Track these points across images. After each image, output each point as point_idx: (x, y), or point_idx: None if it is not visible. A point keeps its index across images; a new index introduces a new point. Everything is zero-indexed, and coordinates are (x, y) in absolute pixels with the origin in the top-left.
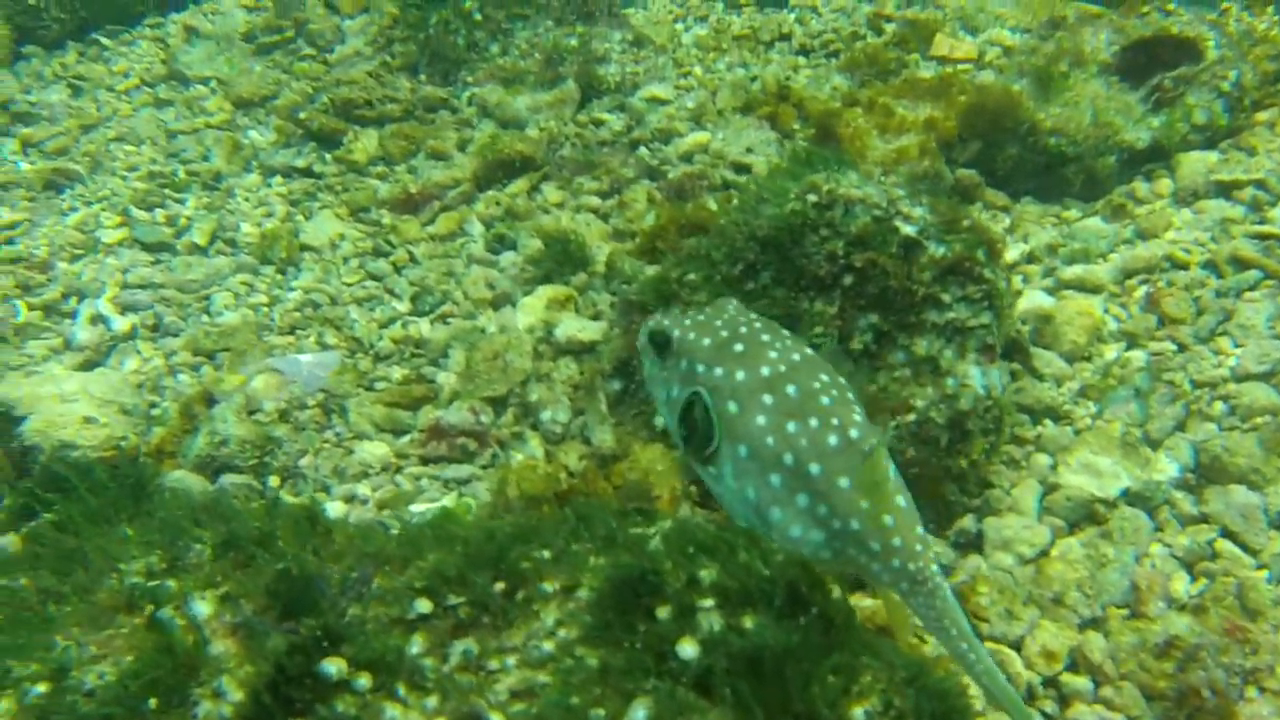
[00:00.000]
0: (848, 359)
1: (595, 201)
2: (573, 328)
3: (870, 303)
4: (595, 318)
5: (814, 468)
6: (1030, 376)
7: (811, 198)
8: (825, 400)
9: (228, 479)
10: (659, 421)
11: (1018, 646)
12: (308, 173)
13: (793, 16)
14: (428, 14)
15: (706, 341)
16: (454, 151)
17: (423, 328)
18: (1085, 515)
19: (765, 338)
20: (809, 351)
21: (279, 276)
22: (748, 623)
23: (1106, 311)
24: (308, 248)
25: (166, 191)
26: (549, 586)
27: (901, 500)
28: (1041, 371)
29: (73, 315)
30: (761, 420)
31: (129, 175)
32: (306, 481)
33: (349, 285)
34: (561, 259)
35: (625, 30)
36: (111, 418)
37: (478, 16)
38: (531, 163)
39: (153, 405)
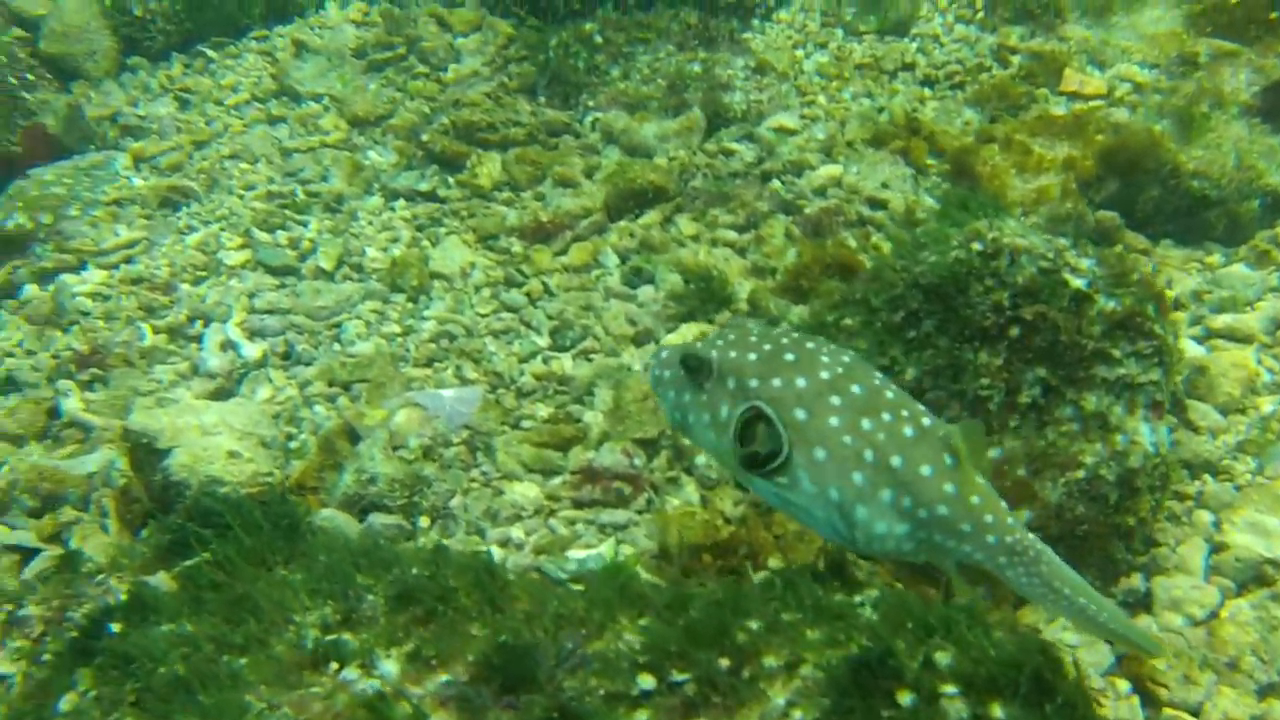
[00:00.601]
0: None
1: (731, 235)
2: None
3: (1038, 356)
4: None
5: (895, 460)
6: (1186, 429)
7: (976, 246)
8: (890, 395)
9: (377, 519)
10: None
11: (1196, 713)
12: (431, 196)
13: (914, 46)
14: (547, 36)
15: (753, 357)
16: (581, 178)
17: (565, 363)
18: (1254, 576)
19: (810, 345)
20: (852, 354)
21: (410, 305)
22: (996, 712)
23: (1260, 363)
24: (438, 275)
25: (287, 213)
26: (772, 662)
27: (982, 480)
28: (1198, 424)
29: (199, 340)
30: (835, 421)
31: (246, 194)
32: (458, 523)
33: (483, 316)
34: (704, 296)
35: (747, 57)
36: (254, 451)
37: (598, 39)
38: (664, 193)
39: (289, 437)
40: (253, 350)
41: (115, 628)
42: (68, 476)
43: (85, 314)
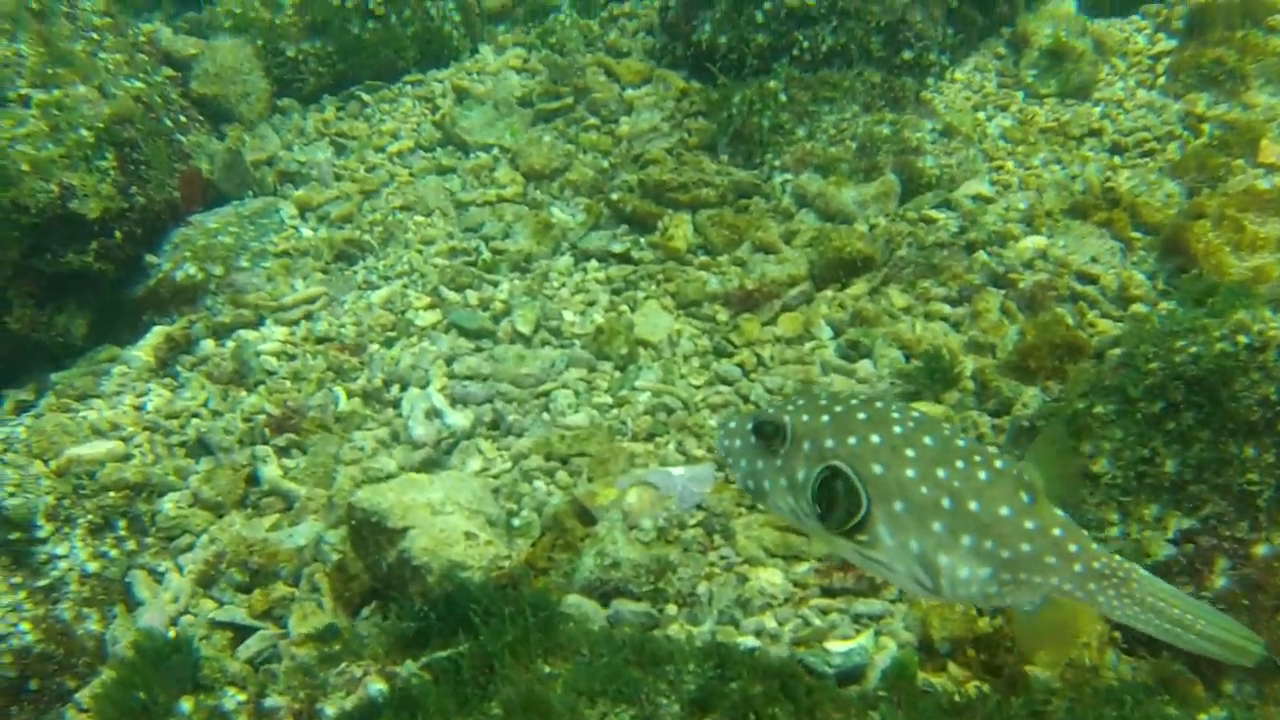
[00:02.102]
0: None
1: (945, 309)
2: None
3: None
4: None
5: (973, 504)
6: None
7: (1243, 339)
8: (961, 443)
9: (624, 606)
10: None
11: None
12: (625, 259)
13: (1098, 110)
14: (730, 92)
15: (825, 419)
16: (780, 244)
17: None
18: None
19: (879, 404)
20: (919, 411)
21: (618, 374)
22: None
23: None
24: (643, 343)
25: (474, 270)
26: None
27: (1062, 514)
28: None
29: (395, 405)
30: (911, 473)
31: (426, 250)
32: (706, 611)
33: (697, 388)
34: (932, 374)
35: (934, 119)
36: (487, 532)
37: (783, 98)
38: (870, 262)
39: (510, 514)
40: (459, 419)
41: None
42: (279, 550)
43: (271, 374)
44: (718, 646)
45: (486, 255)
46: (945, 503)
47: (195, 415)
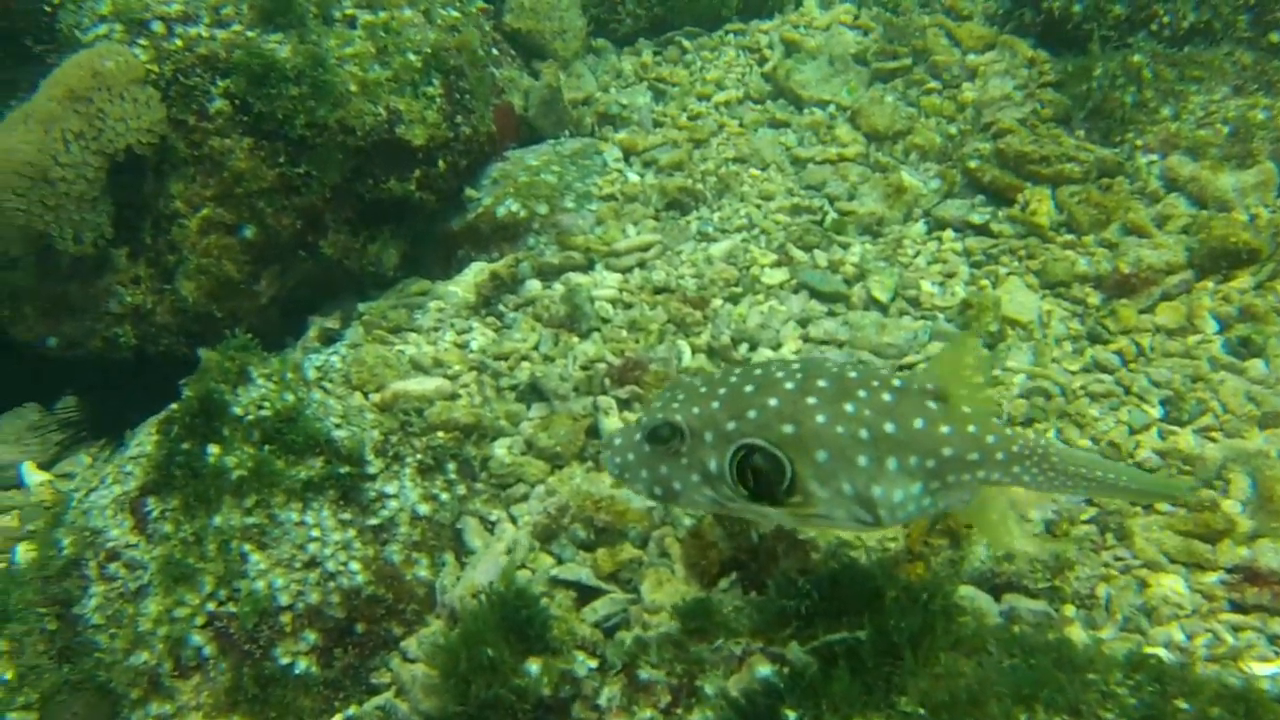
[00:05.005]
0: None
1: None
2: None
3: None
4: None
5: (888, 427)
6: None
7: None
8: (853, 374)
9: (1020, 603)
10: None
11: None
12: (983, 230)
13: None
14: (1090, 65)
15: (715, 404)
16: (1152, 228)
17: (1186, 440)
18: None
19: (758, 371)
20: (800, 357)
21: (985, 352)
22: None
23: None
24: (1011, 321)
25: (820, 230)
26: None
27: (969, 410)
28: None
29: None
30: (821, 419)
31: (765, 205)
32: (1105, 616)
33: (1073, 374)
34: None
35: None
36: None
37: (1148, 74)
38: (1256, 254)
39: None
40: None
41: (791, 715)
42: (628, 509)
43: (606, 321)
44: (1146, 658)
45: (832, 215)
46: (862, 434)
47: (525, 358)
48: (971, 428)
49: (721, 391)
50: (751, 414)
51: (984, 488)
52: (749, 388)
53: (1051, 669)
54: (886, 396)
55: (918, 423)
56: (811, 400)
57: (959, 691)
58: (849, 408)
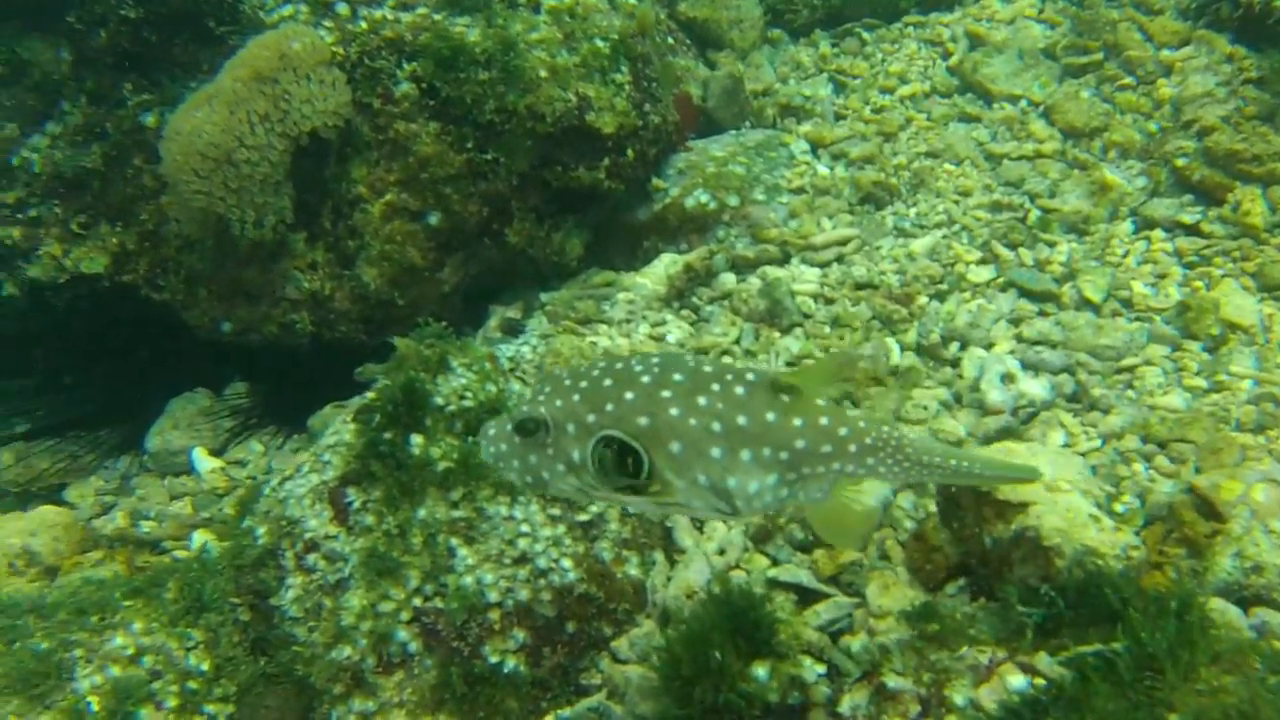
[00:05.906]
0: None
1: None
2: None
3: None
4: None
5: (741, 419)
6: None
7: None
8: (708, 369)
9: (1269, 616)
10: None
11: None
12: (1193, 230)
13: None
14: None
15: (576, 398)
16: None
17: None
18: None
19: (618, 365)
20: (660, 353)
21: (1205, 356)
22: None
23: None
24: (1232, 325)
25: (1024, 228)
26: None
27: (824, 403)
28: None
29: (952, 364)
30: (675, 412)
31: (963, 200)
32: None
33: None
34: None
35: None
36: (1106, 516)
37: None
38: None
39: (1110, 498)
40: (1036, 387)
41: None
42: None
43: (808, 316)
44: None
45: (1035, 213)
46: (715, 427)
47: (725, 353)
48: (824, 420)
49: (583, 385)
50: (609, 407)
51: (845, 486)
52: (608, 382)
53: None
54: (739, 390)
55: (770, 415)
56: (666, 394)
57: (1230, 710)
58: (702, 401)
